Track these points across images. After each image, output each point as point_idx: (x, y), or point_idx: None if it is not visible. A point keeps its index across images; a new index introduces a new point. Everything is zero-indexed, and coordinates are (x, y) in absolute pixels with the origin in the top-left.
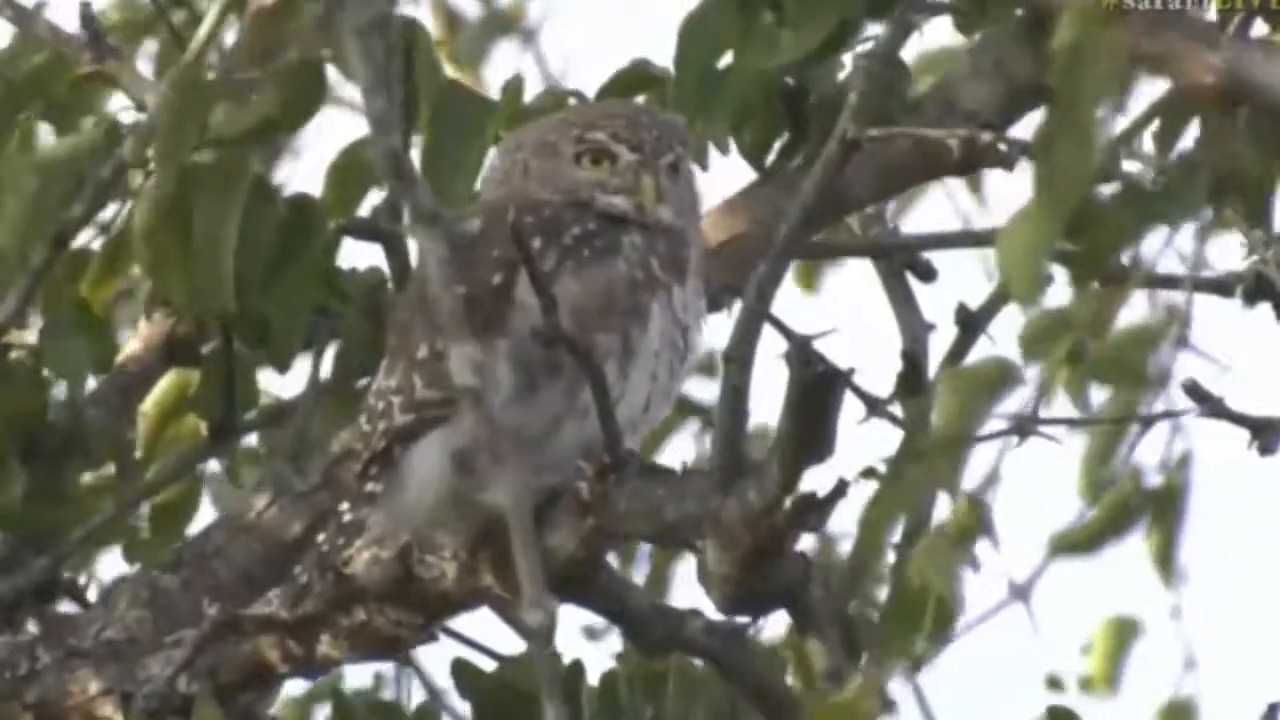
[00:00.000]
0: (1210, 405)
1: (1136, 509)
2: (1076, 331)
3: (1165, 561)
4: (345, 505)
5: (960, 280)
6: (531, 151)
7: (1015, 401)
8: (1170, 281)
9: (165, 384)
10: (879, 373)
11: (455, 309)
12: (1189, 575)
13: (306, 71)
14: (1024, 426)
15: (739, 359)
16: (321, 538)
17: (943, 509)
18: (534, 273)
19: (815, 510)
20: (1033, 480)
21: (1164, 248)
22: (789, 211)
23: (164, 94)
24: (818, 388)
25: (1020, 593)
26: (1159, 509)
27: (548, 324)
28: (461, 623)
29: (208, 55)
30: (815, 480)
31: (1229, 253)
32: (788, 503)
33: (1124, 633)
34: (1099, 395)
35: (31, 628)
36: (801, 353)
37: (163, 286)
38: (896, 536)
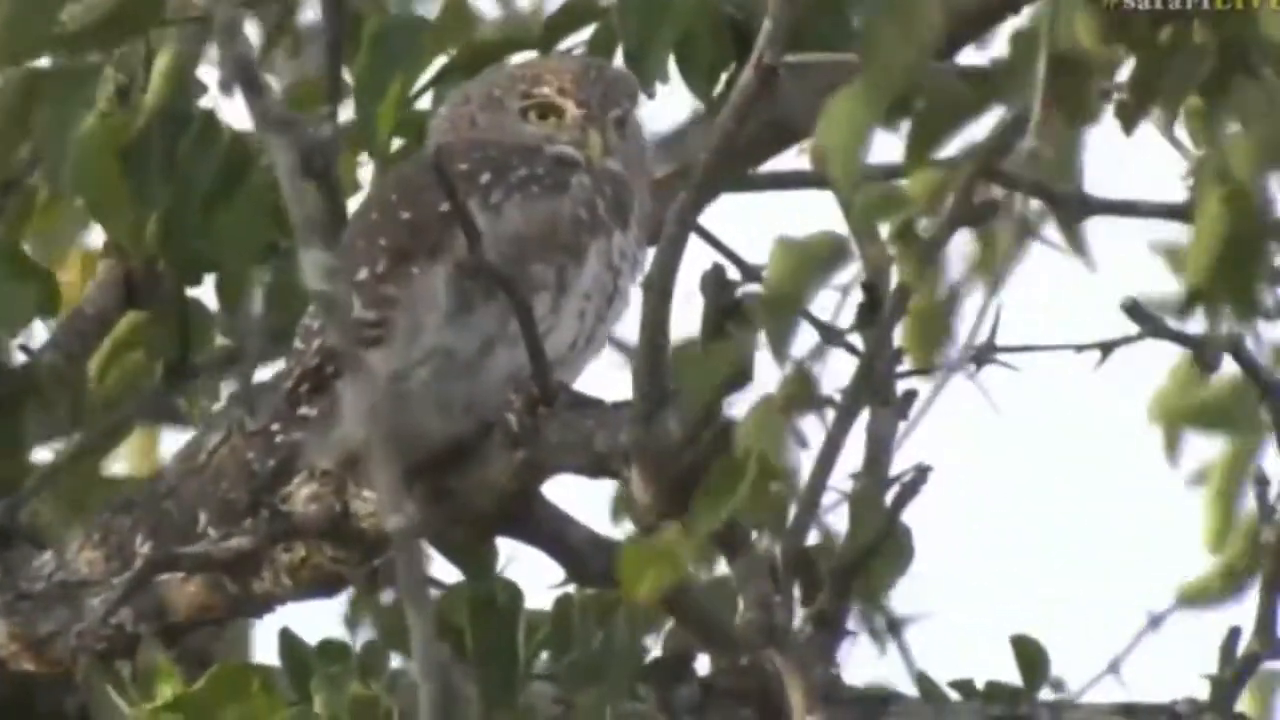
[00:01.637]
0: (1151, 325)
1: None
2: (910, 208)
3: None
4: (276, 425)
5: None
6: (478, 105)
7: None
8: (1128, 208)
9: (121, 326)
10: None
11: (309, 218)
12: None
13: None
14: (981, 356)
15: (659, 289)
16: (251, 455)
17: None
18: (457, 203)
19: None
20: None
21: (1000, 127)
22: (708, 139)
23: None
24: (734, 313)
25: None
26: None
27: (473, 256)
28: None
29: None
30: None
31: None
32: (707, 433)
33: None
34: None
35: None
36: (718, 278)
37: (106, 227)
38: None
